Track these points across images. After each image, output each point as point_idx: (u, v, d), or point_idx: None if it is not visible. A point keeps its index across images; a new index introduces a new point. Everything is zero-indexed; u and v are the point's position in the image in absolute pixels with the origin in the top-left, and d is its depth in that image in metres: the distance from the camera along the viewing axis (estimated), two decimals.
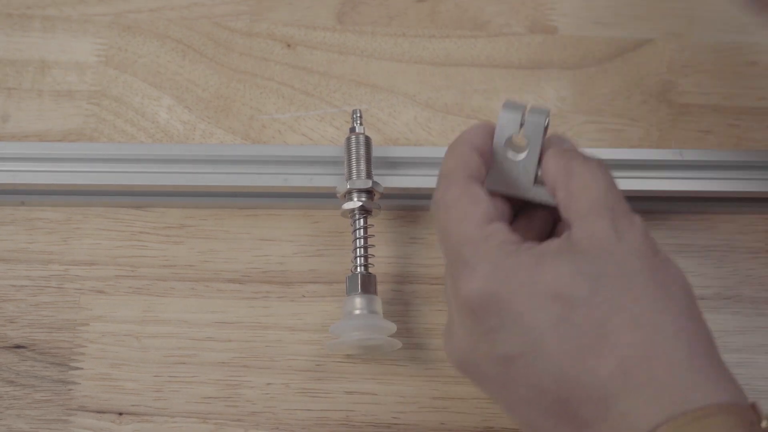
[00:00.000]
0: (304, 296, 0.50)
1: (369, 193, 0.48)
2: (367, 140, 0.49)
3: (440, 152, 0.51)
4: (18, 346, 0.49)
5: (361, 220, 0.47)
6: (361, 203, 0.47)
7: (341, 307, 0.47)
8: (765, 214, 0.53)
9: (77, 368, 0.49)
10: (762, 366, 0.49)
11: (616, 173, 0.50)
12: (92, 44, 0.58)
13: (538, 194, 0.43)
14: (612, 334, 0.34)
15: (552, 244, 0.38)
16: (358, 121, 0.50)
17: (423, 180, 0.50)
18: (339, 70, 0.57)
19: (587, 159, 0.41)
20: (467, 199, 0.40)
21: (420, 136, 0.55)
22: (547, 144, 0.42)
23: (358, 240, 0.47)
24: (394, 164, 0.51)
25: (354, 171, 0.48)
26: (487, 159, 0.42)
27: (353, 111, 0.50)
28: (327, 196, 0.51)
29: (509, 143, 0.43)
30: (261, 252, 0.52)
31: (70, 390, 0.48)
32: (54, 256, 0.52)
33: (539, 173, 0.42)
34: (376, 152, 0.50)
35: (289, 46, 0.58)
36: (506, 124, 0.42)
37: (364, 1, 0.60)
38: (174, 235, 0.52)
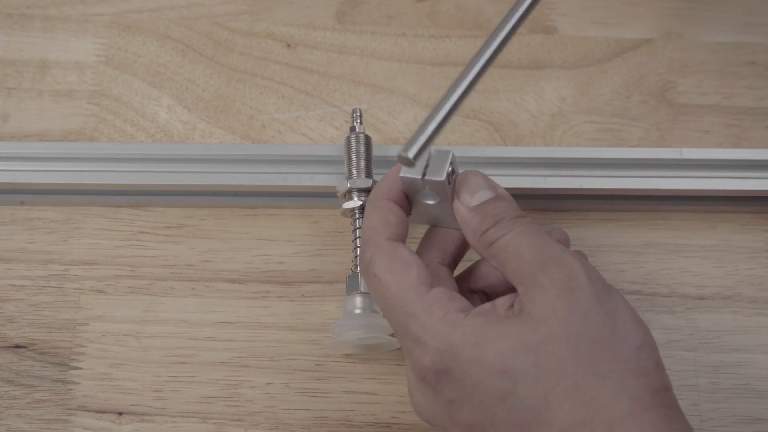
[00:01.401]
0: (304, 296, 0.50)
1: (369, 192, 0.48)
2: (367, 139, 0.49)
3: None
4: (18, 346, 0.49)
5: (362, 219, 0.47)
6: (361, 202, 0.47)
7: (341, 307, 0.47)
8: (765, 213, 0.53)
9: (77, 368, 0.49)
10: (762, 366, 0.49)
11: (615, 172, 0.51)
12: (92, 44, 0.58)
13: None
14: (554, 403, 0.36)
15: (498, 309, 0.39)
16: (358, 120, 0.50)
17: None
18: (339, 70, 0.57)
19: (500, 220, 0.40)
20: (398, 266, 0.40)
21: None
22: (458, 186, 0.42)
23: (358, 239, 0.47)
24: (393, 163, 0.51)
25: (354, 170, 0.48)
26: (407, 208, 0.43)
27: (353, 110, 0.50)
28: (327, 195, 0.51)
29: (420, 195, 0.43)
30: (261, 252, 0.52)
31: (69, 390, 0.48)
32: (54, 255, 0.52)
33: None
34: (376, 151, 0.50)
35: (289, 45, 0.58)
36: (408, 187, 0.42)
37: (364, 1, 0.60)
38: (174, 235, 0.52)
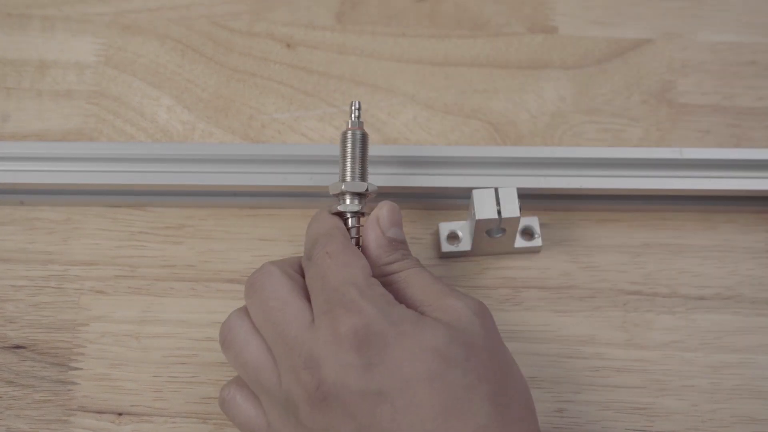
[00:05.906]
0: None
1: (361, 195, 0.45)
2: (363, 137, 0.45)
3: (440, 151, 0.51)
4: (17, 347, 0.49)
5: (354, 220, 0.45)
6: (356, 209, 0.45)
7: None
8: (765, 213, 0.53)
9: (77, 368, 0.49)
10: (762, 366, 0.49)
11: (615, 172, 0.51)
12: (92, 44, 0.58)
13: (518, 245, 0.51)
14: (476, 400, 0.37)
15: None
16: (356, 114, 0.46)
17: (423, 179, 0.50)
18: (339, 70, 0.57)
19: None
20: (351, 252, 0.42)
21: (419, 136, 0.55)
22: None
23: (354, 239, 0.47)
24: (394, 162, 0.51)
25: (348, 173, 0.45)
26: None
27: (352, 103, 0.46)
28: (326, 195, 0.51)
29: (489, 232, 0.49)
30: (260, 252, 0.52)
31: (69, 390, 0.48)
32: (53, 256, 0.51)
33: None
34: (375, 150, 0.50)
35: (288, 45, 0.58)
36: (483, 225, 0.48)
37: (364, 1, 0.60)
38: (173, 235, 0.52)
